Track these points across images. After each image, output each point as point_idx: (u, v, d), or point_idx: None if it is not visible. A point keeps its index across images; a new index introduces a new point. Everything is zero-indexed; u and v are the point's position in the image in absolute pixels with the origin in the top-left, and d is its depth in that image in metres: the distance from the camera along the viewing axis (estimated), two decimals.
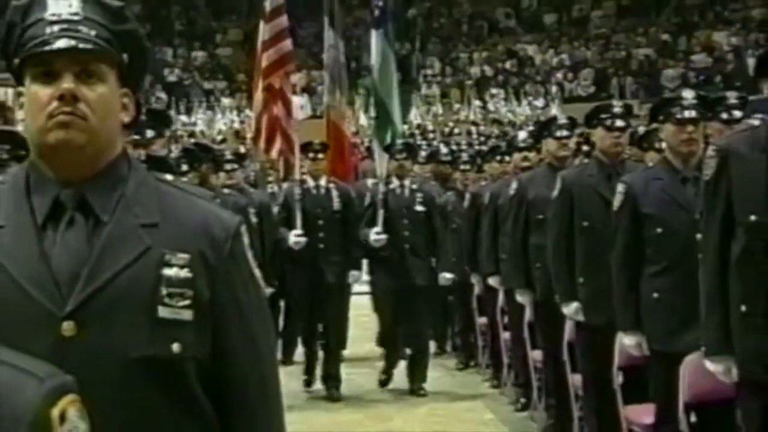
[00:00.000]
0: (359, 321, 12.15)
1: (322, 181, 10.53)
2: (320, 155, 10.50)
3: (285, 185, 11.24)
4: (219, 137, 23.91)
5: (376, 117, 11.50)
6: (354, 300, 11.54)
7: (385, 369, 11.02)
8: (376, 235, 10.06)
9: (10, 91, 23.96)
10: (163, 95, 26.67)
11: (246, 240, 2.53)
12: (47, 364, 1.16)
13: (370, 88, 11.69)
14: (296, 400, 9.86)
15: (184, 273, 2.35)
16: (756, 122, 5.57)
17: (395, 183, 10.56)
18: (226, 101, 27.68)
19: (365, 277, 11.08)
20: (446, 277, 10.64)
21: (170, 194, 2.48)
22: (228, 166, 10.26)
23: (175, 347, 2.32)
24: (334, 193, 10.42)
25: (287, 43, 10.95)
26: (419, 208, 10.34)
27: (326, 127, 12.49)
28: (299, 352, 11.53)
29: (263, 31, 10.95)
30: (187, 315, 2.34)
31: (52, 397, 1.13)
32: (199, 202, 2.52)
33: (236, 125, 25.63)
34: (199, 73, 28.95)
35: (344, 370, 10.93)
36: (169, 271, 2.34)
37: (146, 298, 2.32)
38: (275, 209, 10.59)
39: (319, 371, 10.94)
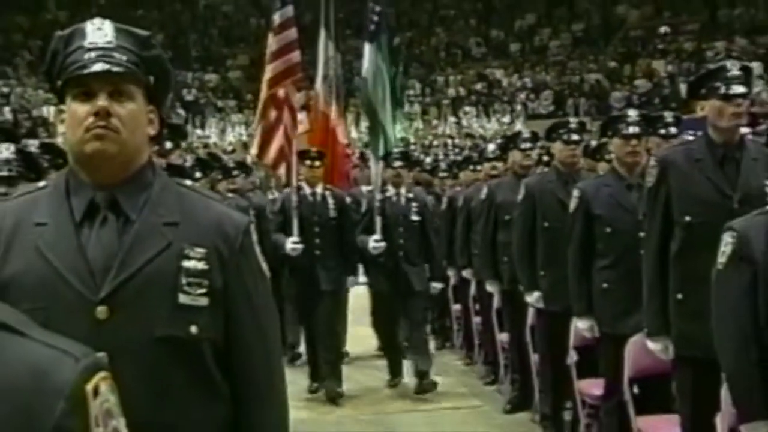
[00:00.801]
0: (361, 320, 10.63)
1: (319, 188, 9.12)
2: (317, 162, 9.12)
3: (283, 192, 9.78)
4: (229, 148, 23.90)
5: (369, 127, 10.19)
6: (355, 299, 10.37)
7: (392, 377, 9.56)
8: (375, 242, 8.81)
9: (52, 108, 24.03)
10: (181, 112, 26.59)
11: (254, 237, 2.53)
12: (82, 345, 1.15)
13: (363, 100, 10.00)
14: (298, 402, 8.35)
15: (201, 265, 2.36)
16: (690, 137, 5.60)
17: (391, 191, 9.18)
18: (235, 117, 27.67)
19: (362, 279, 9.78)
20: (435, 286, 9.42)
21: (189, 197, 2.49)
22: (233, 174, 10.66)
23: (193, 329, 2.33)
24: (330, 200, 9.02)
25: (296, 55, 9.54)
26: (415, 217, 9.04)
27: (321, 135, 11.09)
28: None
29: (271, 43, 9.63)
30: (204, 301, 2.35)
31: (87, 374, 1.12)
32: (213, 204, 2.54)
33: (244, 138, 25.57)
34: (212, 93, 28.89)
35: (345, 370, 9.53)
36: (188, 263, 2.35)
37: (168, 287, 2.33)
38: (270, 216, 9.35)
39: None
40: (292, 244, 8.69)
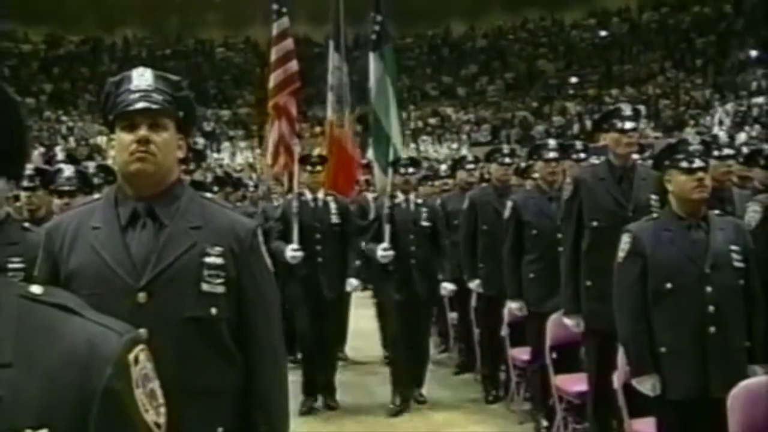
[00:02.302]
0: (362, 329, 9.05)
1: (320, 194, 7.18)
2: (318, 167, 7.21)
3: (291, 198, 7.61)
4: (239, 168, 23.83)
5: (374, 136, 8.04)
6: (356, 309, 8.84)
7: (396, 396, 6.94)
8: (383, 251, 6.81)
9: (105, 138, 24.02)
10: (201, 140, 26.47)
11: (261, 238, 2.54)
12: (124, 323, 1.17)
13: (369, 109, 8.06)
14: (296, 411, 6.47)
15: (219, 260, 2.38)
16: (595, 161, 5.63)
17: (400, 198, 7.12)
18: (242, 144, 27.63)
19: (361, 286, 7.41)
20: (447, 287, 6.99)
21: (209, 206, 2.50)
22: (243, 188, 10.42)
23: (213, 311, 2.35)
24: (332, 206, 7.11)
25: (293, 64, 8.09)
26: (425, 223, 7.01)
27: (327, 142, 8.86)
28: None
29: (273, 52, 8.20)
30: (221, 289, 2.37)
31: (128, 346, 1.14)
32: (228, 212, 2.56)
33: (250, 160, 25.59)
34: (225, 125, 28.78)
35: (345, 376, 7.65)
36: (208, 259, 2.37)
37: (194, 277, 2.34)
38: (272, 223, 7.36)
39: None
40: (291, 251, 6.80)
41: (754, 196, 5.04)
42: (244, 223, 2.51)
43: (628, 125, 4.74)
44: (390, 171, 7.14)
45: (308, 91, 21.74)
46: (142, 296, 2.28)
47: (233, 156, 26.75)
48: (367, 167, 10.00)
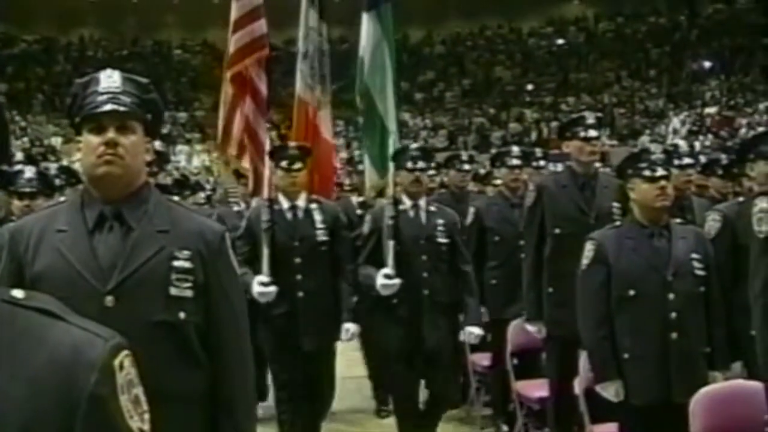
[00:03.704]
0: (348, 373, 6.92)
1: (300, 201, 5.04)
2: (297, 164, 5.06)
3: (251, 205, 5.69)
4: (195, 171, 23.69)
5: (366, 123, 6.07)
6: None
7: None
8: (385, 279, 4.86)
9: (60, 139, 23.73)
10: (157, 142, 26.37)
11: (228, 242, 2.52)
12: (108, 329, 1.15)
13: (359, 86, 6.04)
14: None
15: (187, 264, 2.36)
16: (559, 168, 5.66)
17: (406, 203, 5.08)
18: (199, 147, 27.48)
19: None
20: (474, 333, 5.04)
21: (176, 210, 2.49)
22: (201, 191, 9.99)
23: (182, 315, 2.33)
24: (317, 218, 5.01)
25: (260, 24, 6.02)
26: (442, 239, 5.02)
27: (296, 129, 6.30)
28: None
29: (234, 9, 6.10)
30: (189, 293, 2.35)
31: (114, 352, 1.12)
32: (195, 216, 2.55)
33: (206, 163, 25.47)
34: (182, 128, 28.58)
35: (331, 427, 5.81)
36: (177, 263, 2.35)
37: (162, 281, 2.32)
38: (237, 241, 4.87)
39: None
40: (259, 286, 4.75)
41: (712, 204, 5.11)
42: (212, 227, 2.50)
43: (592, 133, 4.78)
44: (391, 167, 5.37)
45: None
46: (109, 300, 2.25)
47: (190, 159, 26.60)
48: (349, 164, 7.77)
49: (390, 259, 4.93)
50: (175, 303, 2.32)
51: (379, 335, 5.19)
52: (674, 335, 3.72)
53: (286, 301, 4.87)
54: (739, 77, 24.54)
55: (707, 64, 25.51)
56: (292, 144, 5.47)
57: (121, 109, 2.34)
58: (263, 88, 6.02)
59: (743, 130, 20.45)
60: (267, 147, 5.68)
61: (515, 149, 6.17)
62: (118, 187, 2.35)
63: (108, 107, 2.33)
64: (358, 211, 7.19)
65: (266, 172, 5.50)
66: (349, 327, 5.01)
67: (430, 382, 5.21)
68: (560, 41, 31.21)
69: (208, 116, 28.22)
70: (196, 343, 2.36)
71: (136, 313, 2.25)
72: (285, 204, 5.06)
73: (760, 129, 18.91)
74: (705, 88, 24.50)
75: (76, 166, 3.24)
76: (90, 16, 30.84)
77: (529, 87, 29.22)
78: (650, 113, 25.16)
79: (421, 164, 5.09)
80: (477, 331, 5.07)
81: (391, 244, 4.97)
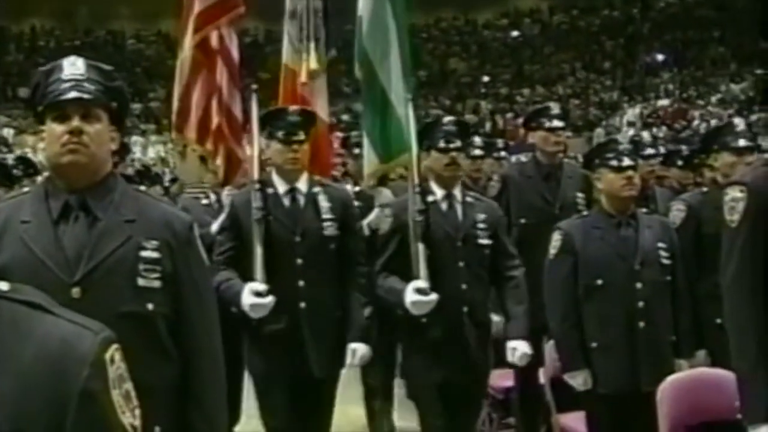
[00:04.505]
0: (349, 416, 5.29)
1: (302, 184, 3.90)
2: (299, 134, 3.86)
3: (228, 193, 4.73)
4: (151, 162, 23.48)
5: (364, 91, 5.01)
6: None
7: None
8: (417, 294, 3.73)
9: (11, 130, 23.27)
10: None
11: (197, 232, 2.49)
12: (96, 322, 1.11)
13: (358, 52, 4.94)
14: None
15: (155, 254, 2.33)
16: (523, 158, 5.67)
17: (437, 194, 3.97)
18: (154, 137, 27.27)
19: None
20: (520, 351, 3.94)
21: (143, 199, 2.45)
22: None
23: (150, 306, 2.30)
24: (324, 205, 3.86)
25: None
26: (484, 239, 3.96)
27: (284, 102, 4.94)
28: None
29: None
30: (157, 284, 2.32)
31: (104, 345, 1.11)
32: (163, 205, 2.53)
33: (162, 154, 25.25)
34: (137, 119, 28.29)
35: None
36: (144, 253, 2.31)
37: (129, 272, 2.29)
38: (217, 237, 4.00)
39: None
40: (252, 295, 3.59)
41: (674, 195, 5.16)
42: (180, 217, 2.47)
43: (557, 123, 4.80)
44: (414, 148, 4.07)
45: None
46: (75, 292, 2.21)
47: (145, 150, 26.36)
48: (345, 144, 6.80)
49: (423, 268, 3.74)
50: (143, 294, 2.29)
51: (407, 370, 4.08)
52: (642, 324, 3.75)
53: (285, 314, 3.66)
54: (692, 70, 24.88)
55: (660, 56, 25.83)
56: (292, 108, 4.10)
57: (86, 96, 2.29)
58: (236, 54, 5.06)
59: (696, 122, 20.73)
60: (255, 125, 4.16)
61: (477, 140, 6.16)
62: (83, 177, 2.31)
63: (72, 95, 2.28)
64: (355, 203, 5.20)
65: (251, 152, 4.23)
66: (358, 348, 3.78)
67: (462, 409, 4.00)
68: (515, 33, 31.38)
69: (162, 107, 28.00)
70: (165, 335, 2.33)
71: (104, 304, 2.19)
72: (281, 187, 3.81)
73: (713, 121, 19.21)
74: (658, 81, 24.82)
75: (31, 156, 3.10)
76: (42, 5, 30.33)
77: (485, 79, 29.34)
78: (604, 105, 25.42)
79: (457, 142, 3.94)
80: (525, 348, 3.91)
81: (421, 247, 3.77)
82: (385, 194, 5.02)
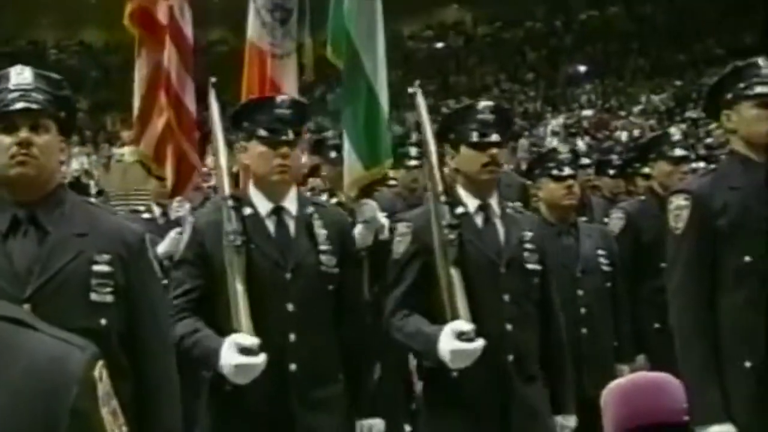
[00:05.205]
0: None
1: (290, 202, 2.84)
2: (287, 133, 2.78)
3: (178, 206, 4.12)
4: (75, 173, 23.07)
5: (345, 80, 4.27)
6: None
7: None
8: (460, 341, 2.66)
9: None
10: None
11: (149, 243, 2.46)
12: (80, 337, 1.09)
13: (333, 33, 4.30)
14: None
15: (107, 268, 2.28)
16: None
17: (470, 205, 2.95)
18: (77, 149, 26.78)
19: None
20: (569, 428, 3.09)
21: (94, 212, 2.41)
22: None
23: (103, 321, 2.26)
24: (320, 231, 2.81)
25: None
26: (533, 264, 2.96)
27: (249, 84, 4.08)
28: None
29: None
30: (110, 298, 2.28)
31: (92, 362, 1.07)
32: (114, 218, 2.48)
33: (85, 166, 24.83)
34: None
35: None
36: (96, 267, 2.27)
37: (81, 287, 2.25)
38: (160, 256, 3.72)
39: None
40: (238, 353, 2.55)
41: (608, 203, 5.25)
42: (131, 229, 2.42)
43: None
44: (432, 144, 3.14)
45: None
46: (26, 308, 2.14)
47: (68, 162, 25.89)
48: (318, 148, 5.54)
49: (462, 304, 2.76)
50: (95, 309, 2.24)
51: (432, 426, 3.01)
52: (584, 330, 3.82)
53: (269, 380, 2.64)
54: (613, 81, 25.41)
55: (582, 68, 26.32)
56: (281, 97, 3.05)
57: (34, 106, 2.24)
58: (189, 32, 4.15)
59: (617, 133, 21.15)
60: (215, 119, 3.16)
61: (413, 150, 6.13)
62: (32, 189, 2.26)
63: (20, 105, 2.23)
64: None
65: (221, 155, 3.01)
66: (373, 426, 2.89)
67: None
68: (440, 45, 31.63)
69: (85, 118, 27.51)
70: (118, 352, 2.28)
71: (56, 320, 2.04)
72: (263, 207, 2.83)
73: (635, 131, 19.66)
74: (581, 92, 25.27)
75: None
76: None
77: (410, 89, 29.46)
78: (528, 116, 25.76)
79: (495, 135, 2.97)
80: (571, 423, 3.11)
81: (456, 275, 2.79)
82: (370, 207, 4.09)
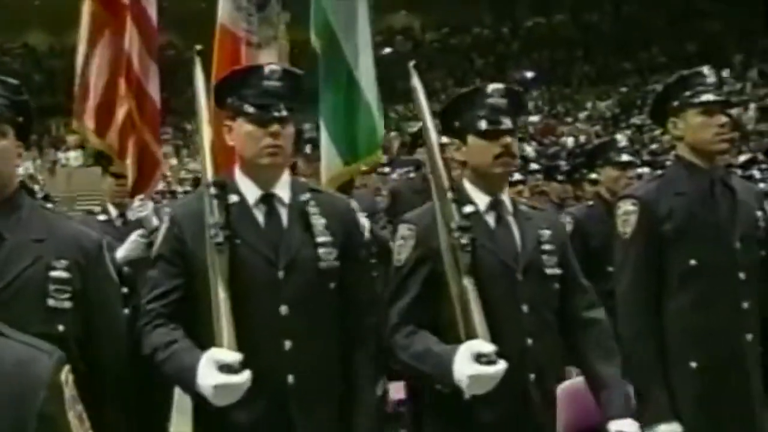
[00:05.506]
0: None
1: (282, 189, 2.43)
2: (279, 110, 2.36)
3: (139, 205, 3.74)
4: (20, 178, 22.73)
5: (324, 69, 3.76)
6: None
7: None
8: (479, 363, 2.26)
9: None
10: None
11: (106, 250, 2.43)
12: (46, 342, 1.10)
13: (315, 19, 3.72)
14: None
15: (65, 274, 2.26)
16: (412, 174, 5.78)
17: (480, 202, 2.54)
18: (23, 153, 26.47)
19: None
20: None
21: (51, 217, 2.38)
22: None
23: (61, 328, 2.22)
24: (318, 222, 2.41)
25: None
26: (552, 269, 2.56)
27: (219, 70, 3.09)
28: None
29: None
30: (68, 304, 2.25)
31: (58, 366, 1.10)
32: (71, 223, 2.45)
33: (30, 171, 24.48)
34: None
35: None
36: (54, 273, 2.24)
37: (39, 292, 2.22)
38: (119, 261, 3.39)
39: None
40: (217, 371, 2.16)
41: (556, 209, 5.33)
42: (89, 235, 2.39)
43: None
44: (434, 137, 2.73)
45: None
46: None
47: None
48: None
49: (479, 319, 2.38)
50: (53, 315, 2.21)
51: None
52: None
53: (265, 394, 2.30)
54: (560, 87, 25.75)
55: (529, 74, 26.64)
56: (271, 66, 2.53)
57: None
58: (153, 13, 3.86)
59: (564, 138, 21.44)
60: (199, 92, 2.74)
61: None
62: None
63: None
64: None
65: (206, 141, 2.62)
66: None
67: None
68: (388, 50, 31.75)
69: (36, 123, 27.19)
70: (77, 358, 2.23)
71: (13, 326, 2.06)
72: (251, 194, 2.45)
73: (581, 137, 19.93)
74: (527, 98, 25.57)
75: None
76: None
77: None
78: None
79: (508, 122, 2.59)
80: (633, 429, 2.57)
81: (470, 286, 2.41)
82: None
